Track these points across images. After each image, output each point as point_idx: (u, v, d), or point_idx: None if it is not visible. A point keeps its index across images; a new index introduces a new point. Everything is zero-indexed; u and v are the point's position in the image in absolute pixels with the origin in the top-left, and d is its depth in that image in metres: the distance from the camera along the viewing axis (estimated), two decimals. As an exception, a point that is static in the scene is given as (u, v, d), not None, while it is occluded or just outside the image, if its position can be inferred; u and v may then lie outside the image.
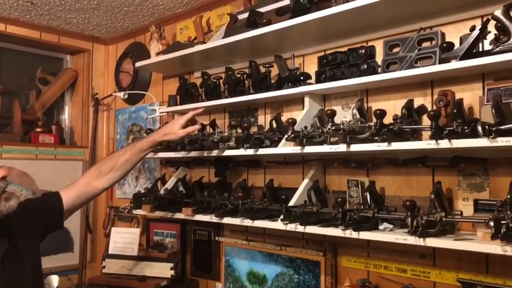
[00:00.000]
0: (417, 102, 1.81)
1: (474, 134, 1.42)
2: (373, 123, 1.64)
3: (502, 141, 1.34)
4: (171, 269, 2.56)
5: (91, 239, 3.48)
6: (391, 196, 1.90)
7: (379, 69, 1.84)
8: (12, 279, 1.44)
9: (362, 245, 1.97)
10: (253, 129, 2.36)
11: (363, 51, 1.88)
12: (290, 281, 2.20)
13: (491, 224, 1.32)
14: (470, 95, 1.70)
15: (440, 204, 1.63)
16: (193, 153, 2.34)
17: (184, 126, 1.98)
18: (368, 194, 1.84)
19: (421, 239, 1.48)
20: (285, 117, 2.20)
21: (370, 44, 1.99)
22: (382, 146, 1.60)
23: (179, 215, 2.35)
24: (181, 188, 2.65)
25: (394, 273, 1.88)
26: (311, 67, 2.20)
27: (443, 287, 1.74)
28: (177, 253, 2.74)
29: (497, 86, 1.60)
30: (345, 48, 2.02)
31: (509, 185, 1.52)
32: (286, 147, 1.92)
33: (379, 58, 1.89)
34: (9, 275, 1.43)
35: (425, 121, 1.73)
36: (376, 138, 1.65)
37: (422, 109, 1.79)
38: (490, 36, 1.57)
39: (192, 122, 2.06)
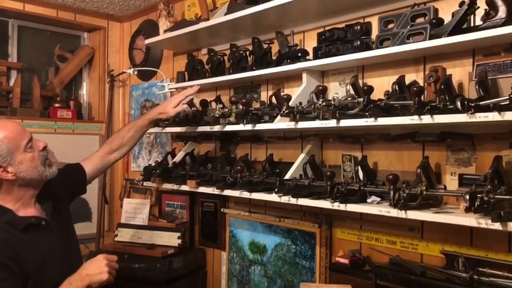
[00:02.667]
0: (411, 78, 1.83)
1: (457, 110, 1.44)
2: (361, 99, 1.68)
3: (480, 117, 1.37)
4: (178, 238, 2.69)
5: (108, 209, 3.66)
6: (383, 171, 1.95)
7: (374, 46, 1.86)
8: (61, 232, 1.72)
9: (355, 217, 2.03)
10: (256, 105, 2.42)
11: (358, 27, 1.89)
12: (288, 251, 2.29)
13: (467, 197, 1.36)
14: (461, 71, 1.71)
15: (428, 178, 1.68)
16: (199, 128, 2.42)
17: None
18: (359, 168, 1.89)
19: (403, 212, 1.53)
20: (286, 94, 2.25)
21: (366, 20, 2.00)
22: (369, 121, 1.64)
23: (184, 187, 2.46)
24: (189, 162, 2.76)
25: (384, 245, 1.94)
26: (311, 43, 2.23)
27: (430, 259, 1.79)
28: (185, 223, 2.87)
29: (486, 62, 1.61)
30: (343, 25, 2.04)
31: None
32: (281, 123, 1.98)
33: (375, 34, 1.90)
34: (59, 229, 1.71)
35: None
36: (366, 114, 1.69)
37: (414, 85, 1.80)
38: (482, 12, 1.57)
39: (185, 101, 2.31)
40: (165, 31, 2.81)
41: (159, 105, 2.33)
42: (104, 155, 2.14)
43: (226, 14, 2.31)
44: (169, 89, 2.90)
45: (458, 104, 1.39)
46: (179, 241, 2.68)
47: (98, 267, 1.54)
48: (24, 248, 1.54)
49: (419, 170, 1.66)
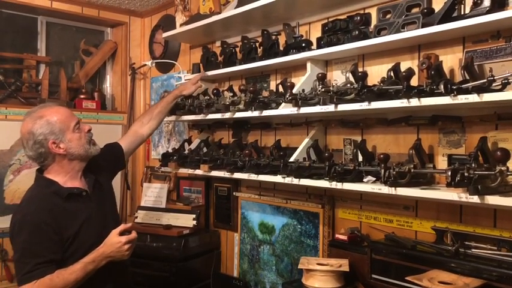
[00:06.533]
0: (407, 65, 1.92)
1: (442, 93, 1.55)
2: (357, 85, 1.80)
3: (462, 99, 1.47)
4: (194, 219, 2.86)
5: (130, 195, 3.87)
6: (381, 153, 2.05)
7: (372, 35, 1.97)
8: (100, 202, 1.96)
9: (355, 198, 2.16)
10: (265, 94, 2.56)
11: (358, 18, 2.01)
12: (294, 230, 2.43)
13: (449, 173, 1.47)
14: (452, 58, 1.81)
15: (420, 159, 1.79)
16: (211, 116, 2.58)
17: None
18: (358, 150, 2.01)
19: (393, 188, 1.65)
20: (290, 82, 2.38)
21: (367, 11, 2.11)
22: (364, 105, 1.76)
23: (198, 171, 2.62)
24: (204, 148, 2.92)
25: (382, 223, 2.06)
26: (316, 34, 2.34)
27: (423, 235, 1.90)
28: (200, 206, 3.05)
29: (475, 49, 1.70)
30: (345, 16, 2.15)
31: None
32: (285, 109, 2.11)
33: (373, 24, 2.01)
34: (98, 199, 1.95)
35: (412, 82, 1.86)
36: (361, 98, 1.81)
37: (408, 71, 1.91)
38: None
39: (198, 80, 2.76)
40: (181, 25, 2.98)
41: (181, 85, 2.74)
42: (137, 129, 2.42)
43: (236, 8, 2.46)
44: (185, 79, 3.05)
45: (442, 86, 1.50)
46: (194, 222, 2.85)
47: (119, 251, 1.79)
48: (65, 214, 1.79)
49: (411, 151, 1.77)
